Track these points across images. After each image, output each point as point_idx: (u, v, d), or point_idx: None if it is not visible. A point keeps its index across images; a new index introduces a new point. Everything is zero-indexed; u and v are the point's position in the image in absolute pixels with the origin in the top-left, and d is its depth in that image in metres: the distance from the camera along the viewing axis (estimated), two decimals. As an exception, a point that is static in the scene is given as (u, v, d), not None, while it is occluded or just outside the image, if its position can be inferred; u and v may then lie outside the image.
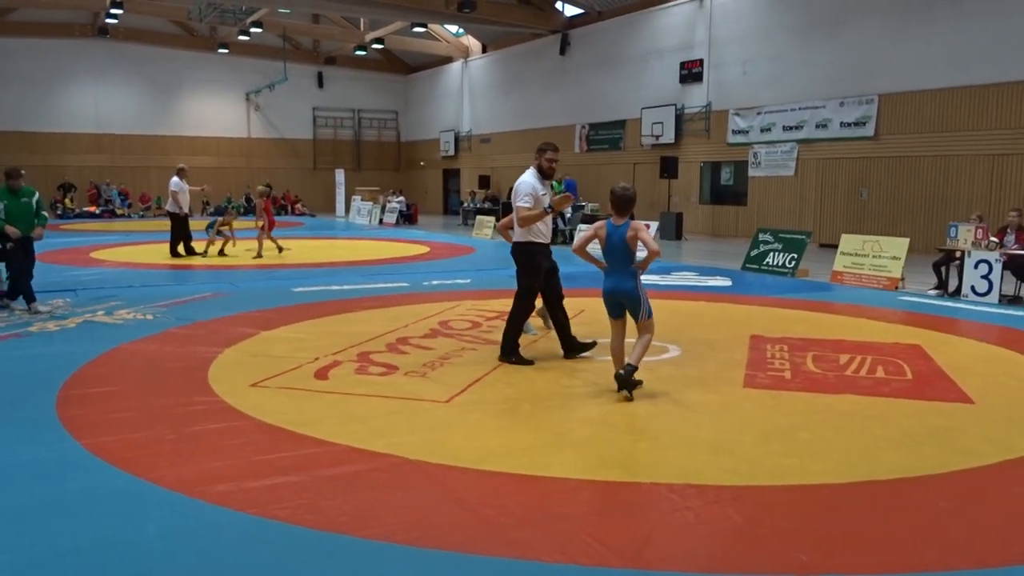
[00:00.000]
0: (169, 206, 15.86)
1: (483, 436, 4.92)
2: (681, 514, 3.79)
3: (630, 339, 5.97)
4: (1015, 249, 10.83)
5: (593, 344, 7.06)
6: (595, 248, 5.97)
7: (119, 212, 31.89)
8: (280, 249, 16.47)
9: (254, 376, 6.25)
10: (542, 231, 6.84)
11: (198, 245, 16.05)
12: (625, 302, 5.83)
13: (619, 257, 5.78)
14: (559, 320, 7.07)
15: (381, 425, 5.08)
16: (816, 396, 5.90)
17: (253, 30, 30.97)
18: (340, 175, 34.93)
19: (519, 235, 6.82)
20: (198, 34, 34.99)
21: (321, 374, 6.38)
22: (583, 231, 6.24)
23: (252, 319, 8.80)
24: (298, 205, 34.86)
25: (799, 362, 6.96)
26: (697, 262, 15.72)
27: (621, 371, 5.72)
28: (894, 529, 3.66)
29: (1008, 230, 11.21)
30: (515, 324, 6.88)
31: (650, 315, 5.87)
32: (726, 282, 12.60)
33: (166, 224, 16.54)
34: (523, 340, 7.09)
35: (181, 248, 15.66)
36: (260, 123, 37.49)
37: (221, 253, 16.15)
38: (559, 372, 6.58)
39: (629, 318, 5.92)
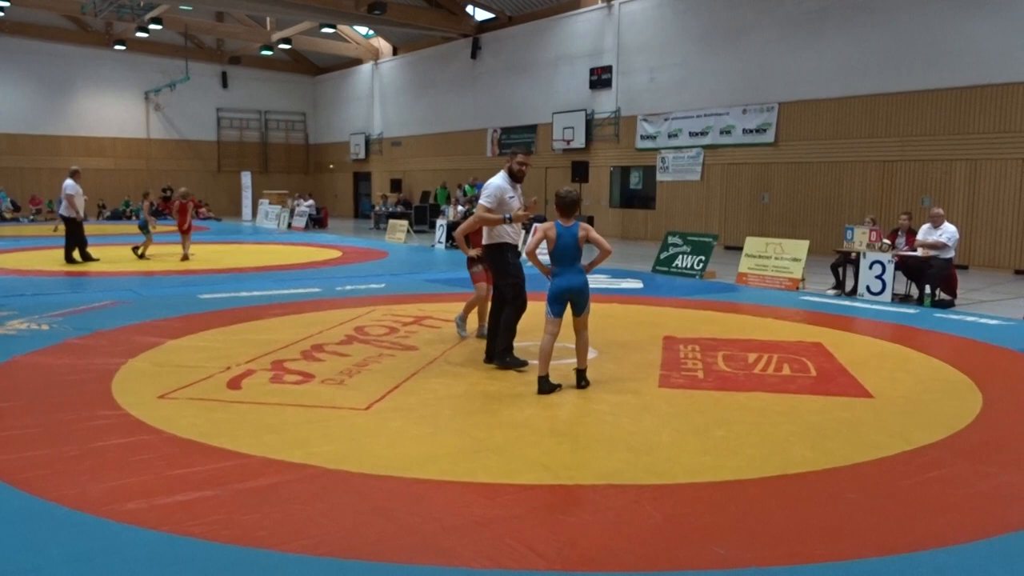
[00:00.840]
0: (63, 210, 15.16)
1: (404, 443, 4.87)
2: (603, 514, 3.83)
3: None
4: (905, 250, 11.41)
5: (525, 363, 6.73)
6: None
7: (7, 216, 30.28)
8: (185, 256, 16.09)
9: (162, 387, 6.03)
10: (510, 233, 6.78)
11: (108, 250, 15.47)
12: (575, 298, 6.00)
13: (570, 256, 5.95)
14: (497, 324, 6.87)
15: (298, 435, 4.97)
16: (728, 394, 6.07)
17: (152, 27, 29.83)
18: (247, 178, 34.09)
19: (488, 238, 6.81)
20: (92, 29, 33.50)
21: (234, 384, 6.20)
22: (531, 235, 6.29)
23: (157, 328, 8.47)
24: (202, 209, 33.72)
25: (711, 362, 7.15)
26: (609, 265, 15.92)
27: (584, 383, 6.12)
28: (807, 521, 3.80)
29: (899, 232, 11.82)
30: (510, 325, 6.70)
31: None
32: (637, 284, 12.86)
33: (48, 229, 15.88)
34: (454, 340, 7.06)
35: (77, 254, 14.97)
36: (160, 124, 36.18)
37: (142, 256, 15.90)
38: (479, 377, 6.57)
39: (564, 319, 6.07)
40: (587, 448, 4.85)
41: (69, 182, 14.96)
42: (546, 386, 5.96)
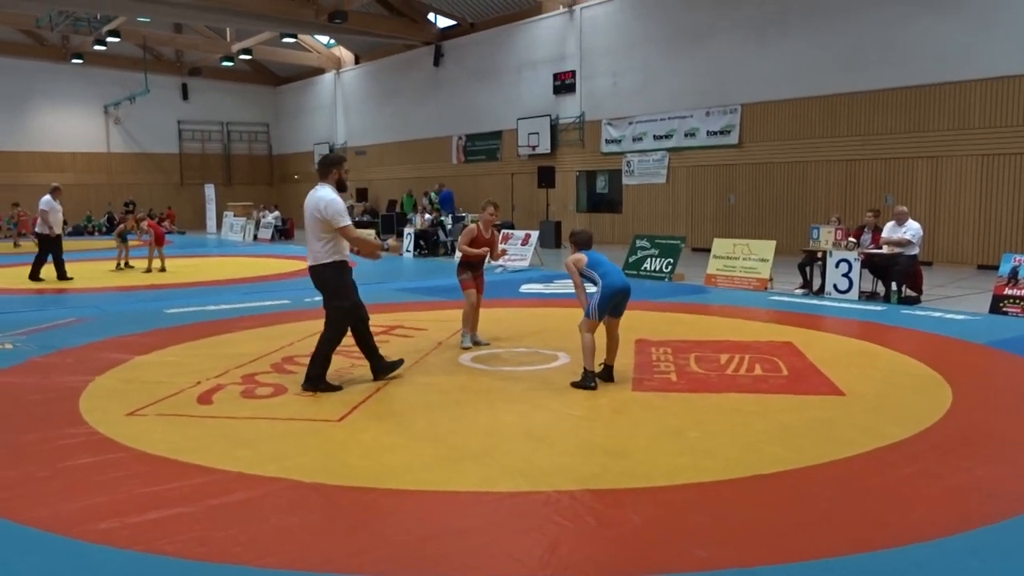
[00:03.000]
0: (38, 227, 14.85)
1: (379, 453, 4.82)
2: (583, 520, 3.83)
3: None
4: (871, 248, 11.58)
5: (401, 362, 6.83)
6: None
7: (-37, 234, 29.62)
8: (149, 269, 15.97)
9: (131, 404, 5.91)
10: (346, 248, 6.45)
11: (72, 266, 15.22)
12: (623, 300, 6.50)
13: (608, 263, 6.59)
14: (367, 343, 6.65)
15: (272, 448, 4.90)
16: (701, 396, 6.11)
17: (110, 40, 29.31)
18: (210, 190, 33.68)
19: (324, 255, 6.27)
20: (48, 43, 32.92)
21: (204, 399, 6.10)
22: (573, 277, 6.78)
23: (123, 344, 8.32)
24: (166, 222, 33.19)
25: (683, 363, 7.19)
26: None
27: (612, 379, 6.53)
28: (786, 520, 3.83)
29: (865, 229, 11.98)
30: (325, 351, 6.35)
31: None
32: (607, 288, 12.87)
33: (8, 247, 15.56)
34: (426, 349, 7.00)
35: (48, 272, 14.60)
36: (121, 137, 35.64)
37: (123, 268, 16.30)
38: (453, 385, 6.54)
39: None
40: (564, 453, 4.84)
41: (46, 198, 14.69)
42: (591, 381, 6.24)
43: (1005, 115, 14.88)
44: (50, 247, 14.68)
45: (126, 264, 16.73)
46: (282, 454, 4.79)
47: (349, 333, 6.54)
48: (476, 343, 8.07)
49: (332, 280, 6.35)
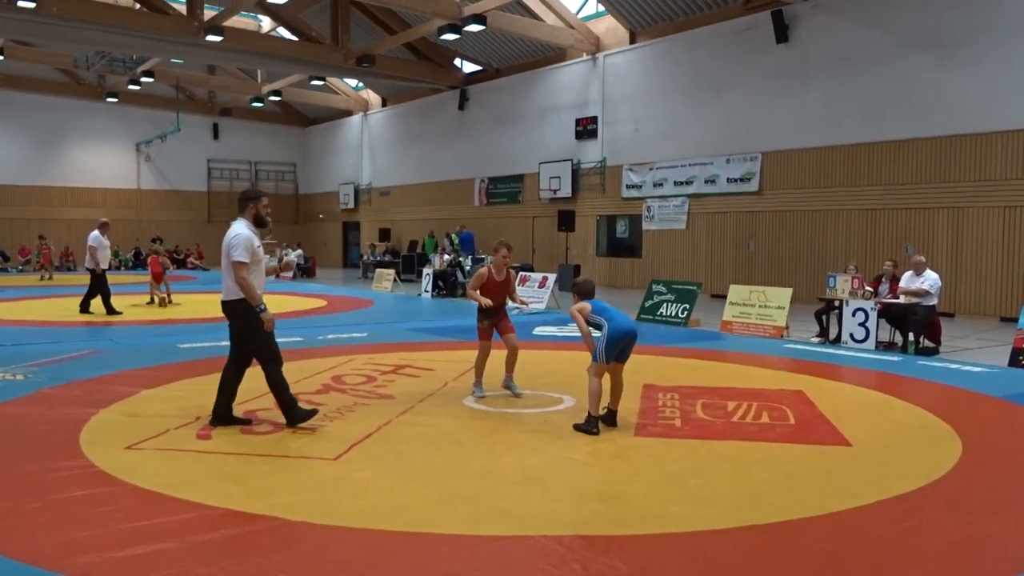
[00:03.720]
0: (87, 263, 15.10)
1: (372, 494, 4.77)
2: (569, 566, 3.74)
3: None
4: (889, 298, 11.43)
5: (315, 411, 6.53)
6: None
7: (-2, 266, 30.24)
8: (162, 303, 16.31)
9: (131, 438, 5.92)
10: (262, 284, 6.38)
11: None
12: (631, 343, 6.58)
13: (614, 309, 6.67)
14: (233, 386, 6.45)
15: (263, 485, 4.87)
16: (704, 443, 6.01)
17: (144, 79, 30.21)
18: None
19: (238, 291, 6.14)
20: (85, 82, 33.83)
21: (204, 434, 6.10)
22: (581, 324, 6.60)
23: (134, 377, 8.37)
24: (190, 259, 33.66)
25: (689, 410, 7.09)
26: (594, 313, 15.92)
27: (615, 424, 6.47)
28: (776, 571, 3.72)
29: (883, 279, 11.85)
30: (279, 382, 6.26)
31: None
32: (621, 332, 12.79)
33: (35, 279, 15.78)
34: (431, 389, 6.95)
35: (97, 305, 14.75)
36: (151, 174, 36.36)
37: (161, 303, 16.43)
38: (453, 426, 6.49)
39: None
40: (558, 498, 4.77)
41: (94, 233, 14.97)
42: (595, 426, 6.20)
43: (1027, 166, 14.76)
44: (96, 282, 14.82)
45: (162, 300, 16.55)
46: (273, 491, 4.75)
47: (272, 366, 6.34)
48: (510, 390, 7.65)
49: (246, 315, 6.21)
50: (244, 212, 6.40)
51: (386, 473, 5.19)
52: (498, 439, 6.07)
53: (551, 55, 25.30)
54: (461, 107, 28.93)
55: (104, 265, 14.97)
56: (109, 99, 33.57)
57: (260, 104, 34.22)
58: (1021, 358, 9.74)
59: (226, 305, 6.32)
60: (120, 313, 14.67)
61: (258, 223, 6.38)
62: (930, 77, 16.01)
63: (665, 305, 14.23)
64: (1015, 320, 10.95)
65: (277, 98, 33.61)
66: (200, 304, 17.17)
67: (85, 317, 14.34)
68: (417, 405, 7.17)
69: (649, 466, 5.40)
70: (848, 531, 4.28)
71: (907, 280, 11.26)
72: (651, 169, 21.95)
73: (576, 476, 5.19)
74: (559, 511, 4.53)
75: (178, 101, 33.93)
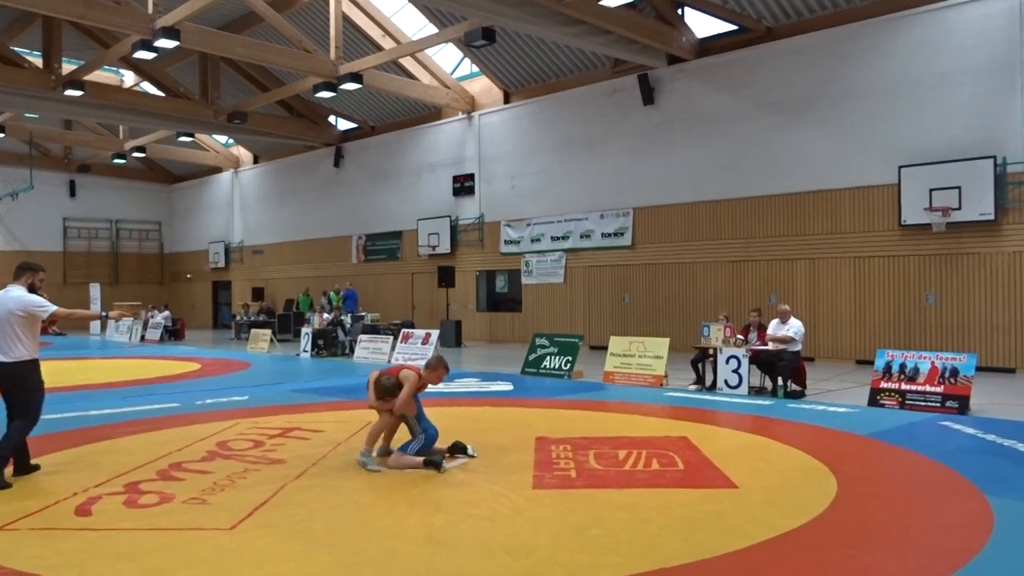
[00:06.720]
0: None
1: (273, 563, 4.62)
2: (485, 624, 3.75)
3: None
4: (757, 345, 12.09)
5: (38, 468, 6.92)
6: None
7: None
8: None
9: (1, 519, 5.50)
10: (37, 346, 6.80)
11: None
12: None
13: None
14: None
15: (155, 561, 4.63)
16: (601, 492, 6.15)
17: (-6, 135, 28.50)
18: (95, 290, 32.47)
19: (24, 352, 6.59)
20: (-74, 137, 31.59)
21: (83, 510, 5.73)
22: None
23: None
24: (51, 326, 31.46)
25: (583, 460, 7.24)
26: (478, 368, 16.04)
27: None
28: (684, 615, 3.85)
29: (751, 328, 12.53)
30: (22, 437, 6.69)
31: None
32: (508, 386, 12.94)
33: None
34: (324, 451, 6.77)
35: None
36: (0, 234, 34.10)
37: None
38: (352, 488, 6.37)
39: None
40: (465, 555, 4.76)
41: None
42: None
43: (873, 221, 16.06)
44: None
45: None
46: (166, 567, 4.52)
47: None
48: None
49: (32, 375, 6.67)
50: (20, 279, 6.81)
51: (287, 540, 5.03)
52: (399, 498, 6.00)
53: (427, 113, 25.66)
54: (336, 164, 28.81)
55: None
56: (-47, 155, 31.45)
57: (123, 161, 32.90)
58: (879, 398, 10.49)
59: (10, 367, 6.57)
60: None
61: (31, 292, 6.79)
62: (784, 137, 17.27)
63: (549, 358, 14.49)
64: (870, 363, 11.78)
65: (141, 155, 32.40)
66: (62, 371, 16.13)
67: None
68: (311, 468, 7.00)
69: (551, 518, 5.47)
70: (745, 570, 4.48)
71: (774, 328, 11.97)
72: (528, 225, 22.46)
73: (481, 532, 5.20)
74: (469, 569, 4.52)
75: (31, 157, 32.11)
